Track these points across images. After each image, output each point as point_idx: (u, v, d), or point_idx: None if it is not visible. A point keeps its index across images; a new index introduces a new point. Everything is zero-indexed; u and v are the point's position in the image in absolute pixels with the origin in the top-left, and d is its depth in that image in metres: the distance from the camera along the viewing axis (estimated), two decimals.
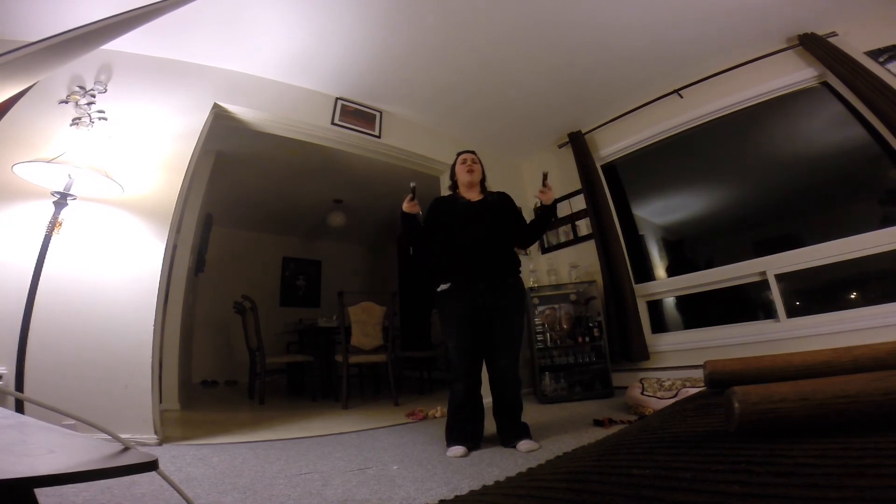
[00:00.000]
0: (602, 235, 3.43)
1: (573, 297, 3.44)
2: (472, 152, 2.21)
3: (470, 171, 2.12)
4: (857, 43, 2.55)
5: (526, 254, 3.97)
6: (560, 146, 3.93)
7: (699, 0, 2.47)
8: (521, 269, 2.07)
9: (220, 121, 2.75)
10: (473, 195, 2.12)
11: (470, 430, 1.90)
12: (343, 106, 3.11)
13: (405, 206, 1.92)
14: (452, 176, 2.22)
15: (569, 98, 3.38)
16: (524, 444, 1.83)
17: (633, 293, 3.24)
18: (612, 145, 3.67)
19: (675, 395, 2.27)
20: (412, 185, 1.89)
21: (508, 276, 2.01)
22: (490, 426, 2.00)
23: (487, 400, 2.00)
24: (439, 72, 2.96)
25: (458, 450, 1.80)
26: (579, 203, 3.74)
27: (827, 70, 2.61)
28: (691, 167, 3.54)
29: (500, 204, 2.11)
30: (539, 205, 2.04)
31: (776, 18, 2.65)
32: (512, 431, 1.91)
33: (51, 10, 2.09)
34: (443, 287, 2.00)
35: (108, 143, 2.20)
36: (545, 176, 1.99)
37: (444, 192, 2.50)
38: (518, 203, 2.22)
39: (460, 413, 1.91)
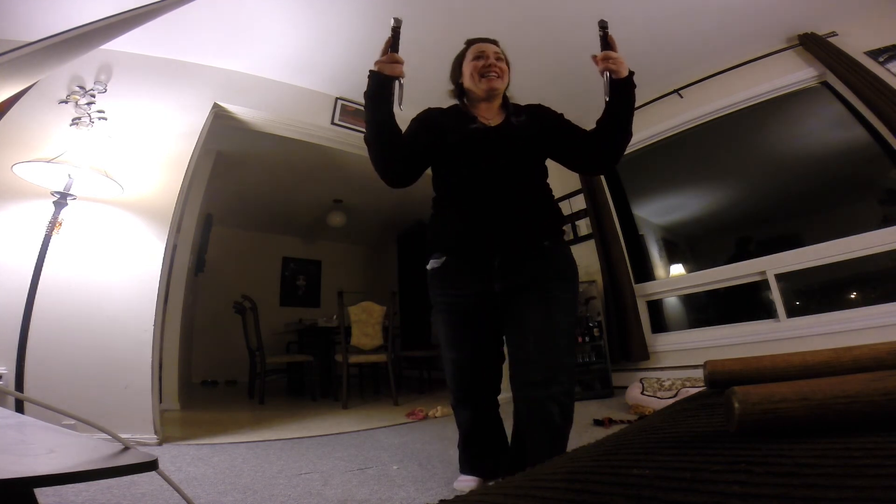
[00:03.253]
0: (602, 235, 3.43)
1: None
2: (494, 42, 1.37)
3: (493, 74, 1.27)
4: (857, 43, 2.55)
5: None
6: None
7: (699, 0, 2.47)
8: (563, 230, 1.29)
9: (220, 120, 2.75)
10: (492, 115, 1.31)
11: (489, 465, 1.33)
12: (343, 106, 3.11)
13: (378, 62, 1.10)
14: (457, 77, 1.37)
15: (568, 97, 3.37)
16: None
17: (632, 293, 3.24)
18: None
19: (675, 395, 2.27)
20: (394, 21, 1.09)
21: (544, 237, 1.21)
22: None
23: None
24: (438, 71, 2.94)
25: (467, 482, 1.32)
26: (579, 203, 3.73)
27: (827, 70, 2.61)
28: (691, 167, 3.54)
29: (537, 126, 1.28)
30: (609, 77, 1.15)
31: (776, 18, 2.65)
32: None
33: (51, 10, 2.09)
34: (433, 264, 1.27)
35: (108, 143, 2.20)
36: (603, 27, 1.14)
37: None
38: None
39: (470, 444, 1.35)
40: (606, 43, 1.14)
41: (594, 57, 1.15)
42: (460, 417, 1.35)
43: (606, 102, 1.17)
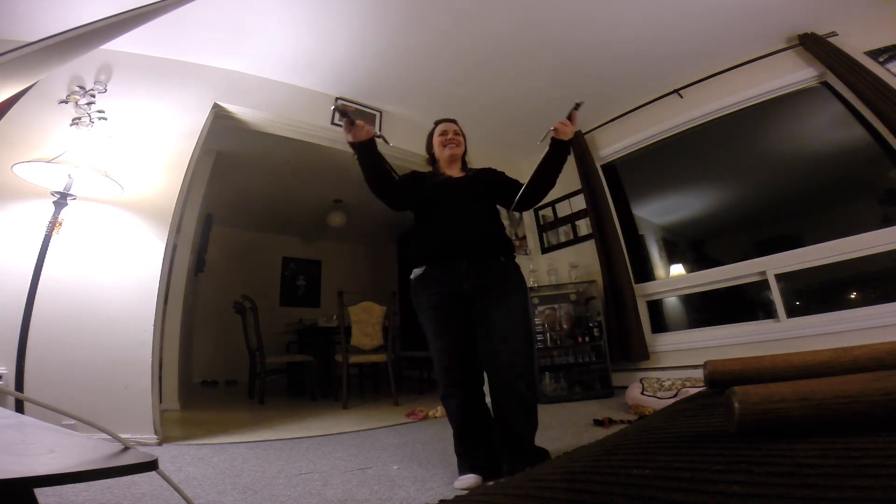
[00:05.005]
0: (602, 235, 3.43)
1: (573, 297, 3.44)
2: (453, 121, 1.81)
3: (452, 144, 1.72)
4: (857, 43, 2.55)
5: (526, 254, 3.96)
6: None
7: None
8: (514, 251, 1.66)
9: (221, 121, 2.75)
10: (454, 171, 1.74)
11: (482, 457, 1.44)
12: (343, 106, 3.11)
13: (347, 137, 1.45)
14: (430, 149, 1.81)
15: (569, 97, 3.34)
16: None
17: (632, 293, 3.24)
18: (612, 145, 3.66)
19: (675, 395, 2.27)
20: (335, 104, 1.39)
21: (499, 254, 1.59)
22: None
23: None
24: (439, 71, 2.97)
25: (468, 480, 1.38)
26: (579, 203, 3.74)
27: (827, 70, 2.61)
28: (691, 167, 3.54)
29: (487, 178, 1.73)
30: (549, 137, 1.55)
31: (776, 18, 2.65)
32: (518, 464, 1.38)
33: (51, 10, 2.09)
34: (416, 272, 1.59)
35: (108, 143, 2.20)
36: (577, 106, 1.51)
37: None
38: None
39: (463, 435, 1.48)
40: (569, 117, 1.52)
41: (558, 125, 1.53)
42: (451, 407, 1.49)
43: (543, 158, 1.57)
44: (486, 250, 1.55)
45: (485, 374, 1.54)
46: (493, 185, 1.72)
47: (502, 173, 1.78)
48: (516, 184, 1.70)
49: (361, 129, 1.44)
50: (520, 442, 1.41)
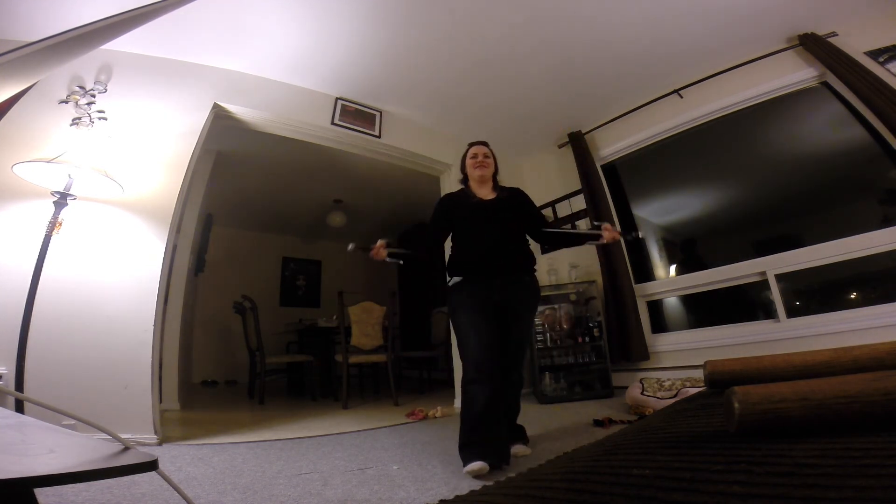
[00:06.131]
0: None
1: (573, 297, 3.44)
2: (485, 143, 2.04)
3: (482, 167, 1.95)
4: (857, 43, 2.55)
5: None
6: (560, 146, 3.93)
7: None
8: (536, 266, 1.93)
9: (220, 121, 2.75)
10: (486, 192, 1.96)
11: (495, 444, 1.56)
12: (343, 106, 3.11)
13: (378, 258, 1.74)
14: (463, 169, 2.05)
15: (569, 97, 3.38)
16: (517, 448, 1.77)
17: (632, 293, 3.24)
18: (612, 145, 3.66)
19: (675, 395, 2.27)
20: (350, 247, 1.72)
21: (524, 273, 1.86)
22: None
23: None
24: (439, 71, 2.97)
25: (478, 465, 1.47)
26: (579, 203, 3.73)
27: (827, 70, 2.61)
28: (691, 167, 3.54)
29: (515, 202, 1.97)
30: (594, 229, 1.87)
31: (776, 18, 2.65)
32: (508, 434, 1.79)
33: (51, 10, 2.09)
34: (455, 280, 1.85)
35: (108, 143, 2.20)
36: (636, 234, 1.96)
37: (454, 186, 2.35)
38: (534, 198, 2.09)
39: (482, 423, 1.56)
40: (627, 234, 1.89)
41: (610, 229, 1.79)
42: (474, 393, 1.61)
43: (575, 230, 1.96)
44: (514, 268, 1.83)
45: None
46: (520, 211, 1.96)
47: (529, 200, 2.04)
48: (540, 220, 2.01)
49: (377, 251, 1.72)
50: (509, 412, 1.83)
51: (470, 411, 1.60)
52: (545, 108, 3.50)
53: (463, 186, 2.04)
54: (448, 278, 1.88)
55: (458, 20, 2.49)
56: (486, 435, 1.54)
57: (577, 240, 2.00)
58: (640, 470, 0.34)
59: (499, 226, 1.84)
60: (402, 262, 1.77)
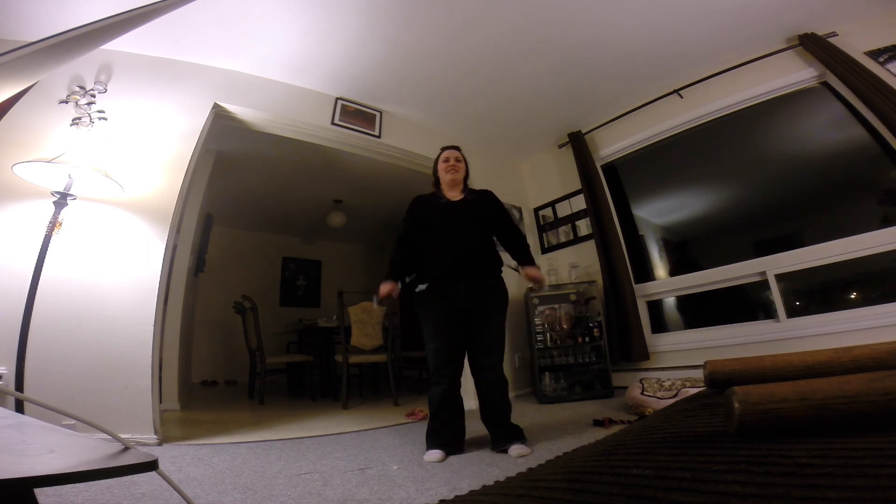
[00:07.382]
0: (602, 235, 3.43)
1: (573, 297, 3.43)
2: (457, 148, 2.11)
3: (452, 170, 2.02)
4: (857, 43, 2.55)
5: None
6: (560, 146, 3.93)
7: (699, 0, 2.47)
8: (502, 268, 2.01)
9: (220, 121, 2.75)
10: (455, 194, 2.03)
11: (448, 434, 1.84)
12: (343, 106, 3.11)
13: (396, 295, 2.01)
14: (435, 172, 2.11)
15: (569, 98, 3.38)
16: (515, 449, 1.74)
17: (632, 293, 3.24)
18: (612, 145, 3.66)
19: (675, 395, 2.27)
20: (375, 304, 2.13)
21: (488, 276, 1.94)
22: (481, 429, 1.95)
23: (470, 404, 1.97)
24: (439, 71, 2.96)
25: (434, 454, 1.75)
26: (579, 203, 3.74)
27: (827, 70, 2.61)
28: (691, 167, 3.54)
29: (482, 204, 2.03)
30: (517, 269, 2.09)
31: (776, 18, 2.65)
32: (503, 435, 1.83)
33: (51, 10, 2.09)
34: (421, 287, 1.96)
35: (108, 143, 2.20)
36: (539, 284, 2.07)
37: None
38: (512, 201, 2.17)
39: (438, 416, 1.86)
40: (533, 279, 2.02)
41: (527, 274, 2.02)
42: (435, 393, 1.88)
43: (514, 247, 2.08)
44: (478, 272, 1.91)
45: (465, 367, 1.98)
46: (488, 213, 2.02)
47: (496, 200, 2.09)
48: (505, 219, 2.08)
49: (385, 292, 1.96)
50: (500, 417, 1.87)
51: (431, 406, 1.90)
52: (545, 107, 3.49)
53: (434, 190, 2.11)
54: (416, 285, 2.00)
55: (458, 21, 2.49)
56: (441, 427, 1.84)
57: (515, 256, 2.10)
58: (640, 470, 0.34)
59: (463, 228, 1.92)
60: (409, 280, 2.01)
